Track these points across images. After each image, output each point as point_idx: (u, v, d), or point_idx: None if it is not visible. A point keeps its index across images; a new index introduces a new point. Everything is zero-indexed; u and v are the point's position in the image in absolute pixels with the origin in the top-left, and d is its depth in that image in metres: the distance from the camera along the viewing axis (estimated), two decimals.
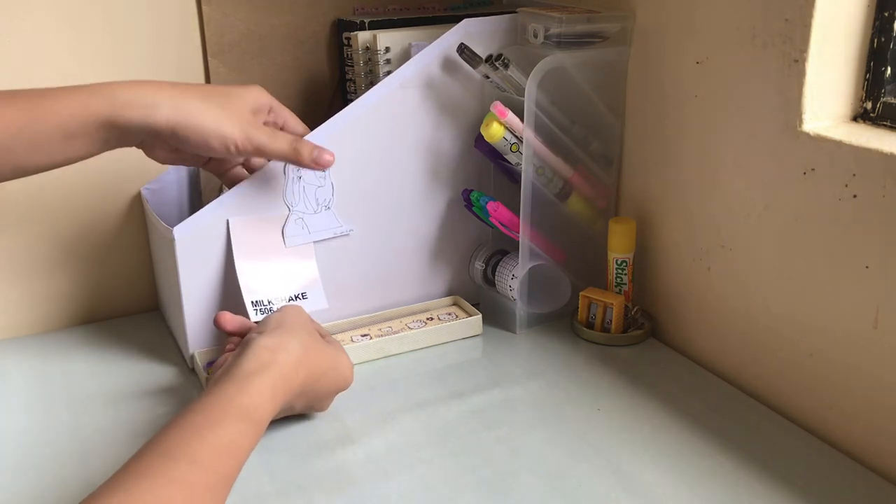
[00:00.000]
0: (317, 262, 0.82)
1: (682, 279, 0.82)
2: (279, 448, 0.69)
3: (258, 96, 0.74)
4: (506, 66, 0.79)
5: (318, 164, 0.74)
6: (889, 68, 0.66)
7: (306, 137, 0.77)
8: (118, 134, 0.67)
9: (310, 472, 0.65)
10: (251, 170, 0.80)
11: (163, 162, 0.73)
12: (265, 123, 0.75)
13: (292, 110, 0.78)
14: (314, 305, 0.81)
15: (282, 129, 0.77)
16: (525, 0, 0.89)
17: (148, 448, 0.52)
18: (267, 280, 0.79)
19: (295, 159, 0.73)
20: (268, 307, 0.79)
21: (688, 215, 0.80)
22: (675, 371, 0.80)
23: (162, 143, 0.69)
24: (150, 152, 0.71)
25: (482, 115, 0.83)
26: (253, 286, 0.78)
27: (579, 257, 0.89)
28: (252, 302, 0.78)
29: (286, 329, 0.67)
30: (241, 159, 0.79)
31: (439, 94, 0.84)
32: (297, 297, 0.80)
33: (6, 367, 0.82)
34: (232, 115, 0.70)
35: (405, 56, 0.85)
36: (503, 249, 0.89)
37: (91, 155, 0.68)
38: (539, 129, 0.81)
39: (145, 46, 0.87)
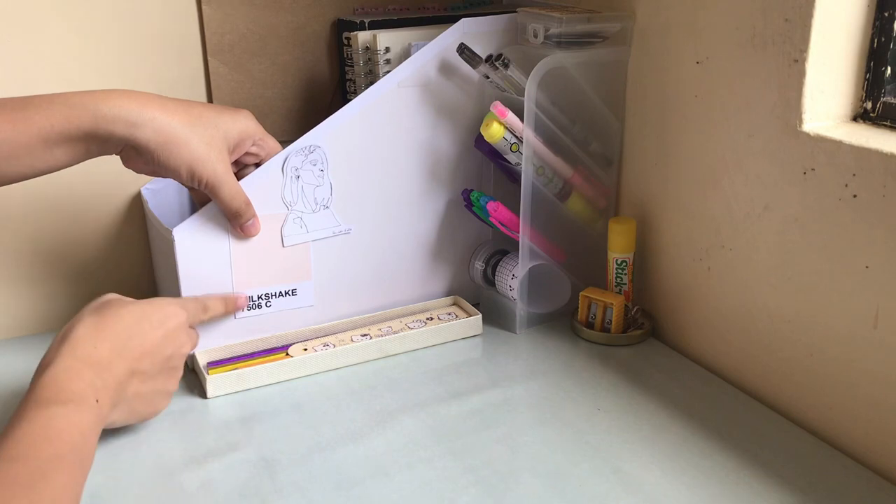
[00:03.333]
0: (315, 262, 0.82)
1: (682, 279, 0.82)
2: (279, 448, 0.69)
3: (245, 127, 0.74)
4: (506, 65, 0.79)
5: (244, 232, 0.77)
6: (889, 68, 0.66)
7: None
8: (99, 144, 0.68)
9: (310, 472, 0.65)
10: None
11: (139, 172, 0.73)
12: (248, 153, 0.77)
13: (292, 110, 0.78)
14: (302, 302, 0.82)
15: (262, 160, 0.78)
16: (525, 0, 0.89)
17: None
18: (261, 278, 0.80)
19: (232, 218, 0.76)
20: (256, 303, 0.79)
21: (688, 215, 0.80)
22: (675, 371, 0.80)
23: (139, 157, 0.70)
24: (127, 163, 0.71)
25: (482, 114, 0.83)
26: (246, 283, 0.79)
27: (579, 257, 0.89)
28: None
29: (75, 317, 0.66)
30: None
31: (439, 94, 0.84)
32: (286, 294, 0.81)
33: (6, 367, 0.82)
34: (211, 152, 0.71)
35: (405, 56, 0.85)
36: (503, 249, 0.89)
37: (73, 164, 0.69)
38: (539, 129, 0.81)
39: (145, 46, 0.87)
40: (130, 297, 0.92)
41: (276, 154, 0.78)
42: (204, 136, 0.70)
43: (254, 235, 0.77)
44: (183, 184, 0.73)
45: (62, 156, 0.67)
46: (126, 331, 0.65)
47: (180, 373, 0.70)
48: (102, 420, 0.60)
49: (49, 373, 0.59)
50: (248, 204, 0.76)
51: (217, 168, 0.71)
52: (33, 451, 0.52)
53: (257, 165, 0.78)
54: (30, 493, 0.49)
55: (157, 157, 0.69)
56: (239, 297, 0.78)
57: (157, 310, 0.68)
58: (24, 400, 0.57)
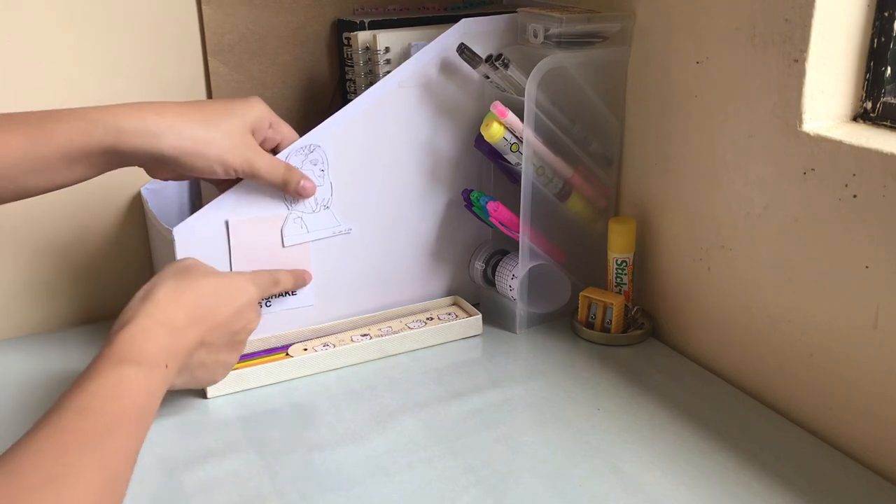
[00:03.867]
0: (316, 262, 0.82)
1: (682, 279, 0.82)
2: (279, 448, 0.69)
3: (259, 113, 0.75)
4: (506, 65, 0.79)
5: (299, 194, 0.78)
6: (889, 68, 0.66)
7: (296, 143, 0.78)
8: (121, 160, 0.68)
9: (310, 472, 0.65)
10: None
11: (166, 179, 0.75)
12: (265, 139, 0.77)
13: (292, 110, 0.79)
14: (302, 302, 0.82)
15: (279, 144, 0.78)
16: (525, 0, 0.89)
17: (43, 416, 0.53)
18: None
19: (282, 188, 0.77)
20: None
21: (688, 215, 0.80)
22: (675, 371, 0.80)
23: (165, 166, 0.71)
24: (153, 173, 0.73)
25: (482, 114, 0.83)
26: None
27: (579, 257, 0.89)
28: None
29: (157, 277, 0.67)
30: None
31: (439, 94, 0.84)
32: (286, 293, 0.81)
33: (6, 367, 0.82)
34: (234, 140, 0.72)
35: (405, 56, 0.85)
36: (503, 249, 0.89)
37: (93, 177, 0.69)
38: (539, 129, 0.81)
39: (146, 46, 0.87)
40: (130, 296, 0.92)
41: (293, 139, 0.78)
42: (224, 129, 0.71)
43: (311, 195, 0.79)
44: (219, 179, 0.74)
45: (83, 170, 0.68)
46: (203, 301, 0.66)
47: (244, 347, 0.71)
48: (167, 384, 0.61)
49: (127, 331, 0.60)
50: (290, 168, 0.77)
51: (246, 154, 0.72)
52: (103, 406, 0.53)
53: (275, 151, 0.78)
54: (95, 447, 0.51)
55: (185, 162, 0.69)
56: (305, 271, 0.81)
57: (232, 284, 0.69)
58: (100, 354, 0.58)
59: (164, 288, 0.65)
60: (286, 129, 0.78)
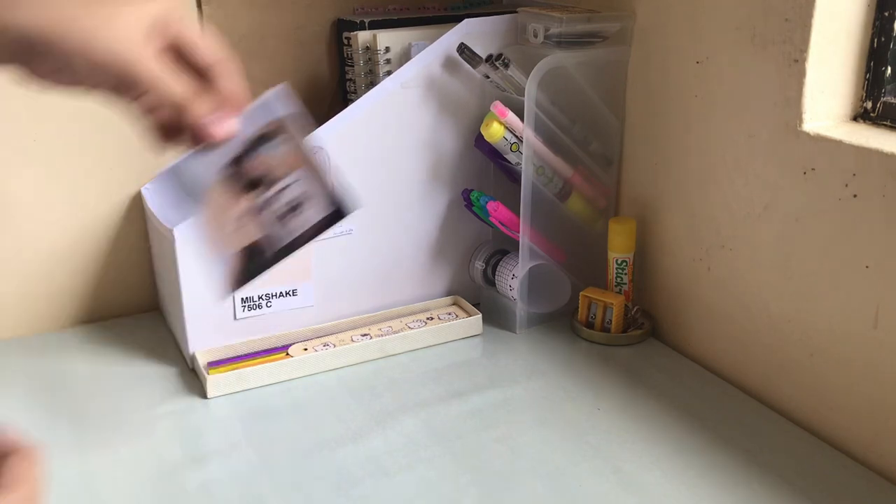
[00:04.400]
0: (316, 262, 0.82)
1: (682, 279, 0.82)
2: (279, 448, 0.69)
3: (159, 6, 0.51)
4: (506, 65, 0.79)
5: (201, 135, 0.51)
6: (889, 68, 0.66)
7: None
8: None
9: (310, 472, 0.65)
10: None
11: (51, 87, 0.50)
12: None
13: None
14: (302, 302, 0.82)
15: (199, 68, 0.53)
16: (525, 0, 0.89)
17: None
18: (261, 278, 0.79)
19: (175, 114, 0.51)
20: (257, 303, 0.80)
21: (688, 215, 0.80)
22: (675, 371, 0.80)
23: (37, 58, 0.47)
24: (29, 73, 0.48)
25: (482, 114, 0.83)
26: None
27: (579, 257, 0.89)
28: (242, 299, 0.79)
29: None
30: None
31: (440, 94, 0.84)
32: (286, 294, 0.81)
33: (6, 367, 0.82)
34: (128, 30, 0.49)
35: (405, 56, 0.85)
36: (503, 249, 0.89)
37: None
38: (539, 129, 0.81)
39: None
40: (130, 296, 0.93)
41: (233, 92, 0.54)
42: (111, 13, 0.47)
43: (219, 140, 0.52)
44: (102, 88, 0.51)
45: None
46: None
47: None
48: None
49: None
50: (187, 92, 0.50)
51: (140, 51, 0.46)
52: None
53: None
54: None
55: (56, 50, 0.46)
56: None
57: None
58: None
59: None
60: (202, 46, 0.52)
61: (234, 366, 0.78)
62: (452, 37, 0.81)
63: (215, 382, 0.76)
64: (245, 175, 0.56)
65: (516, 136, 0.80)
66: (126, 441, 0.70)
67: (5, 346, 0.86)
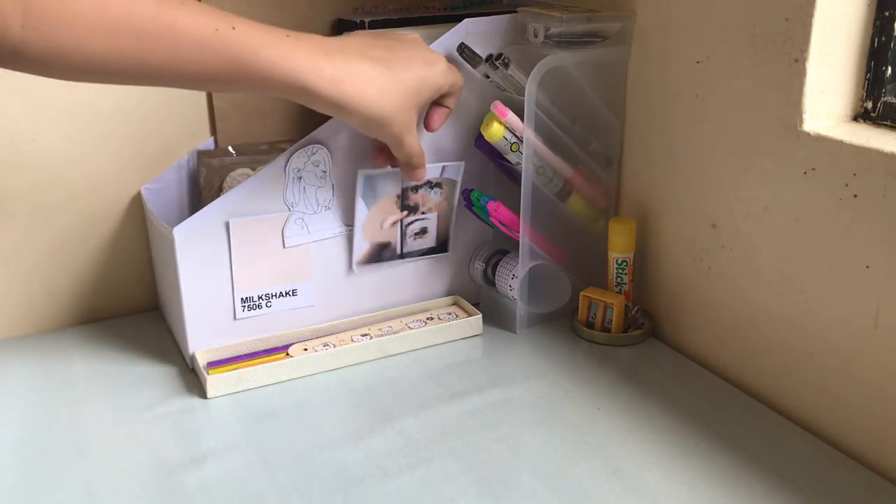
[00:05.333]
0: (316, 262, 0.82)
1: (682, 279, 0.82)
2: (279, 448, 0.68)
3: (441, 79, 0.74)
4: (506, 65, 0.78)
5: (413, 179, 0.80)
6: (889, 68, 0.66)
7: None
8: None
9: (310, 472, 0.65)
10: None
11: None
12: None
13: (292, 110, 0.78)
14: (302, 302, 0.82)
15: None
16: (525, 0, 0.89)
17: None
18: (260, 278, 0.80)
19: (402, 169, 0.78)
20: (256, 303, 0.79)
21: (688, 215, 0.80)
22: (675, 371, 0.80)
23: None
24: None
25: (482, 114, 0.83)
26: (246, 284, 0.79)
27: (579, 257, 0.89)
28: (241, 298, 0.79)
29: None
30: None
31: None
32: (286, 294, 0.81)
33: (6, 367, 0.82)
34: (400, 101, 0.70)
35: None
36: (503, 249, 0.89)
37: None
38: (539, 129, 0.81)
39: None
40: (130, 296, 0.93)
41: (460, 85, 0.77)
42: (400, 80, 0.70)
43: (420, 180, 0.81)
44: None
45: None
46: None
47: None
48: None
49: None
50: (422, 156, 0.77)
51: (400, 126, 0.71)
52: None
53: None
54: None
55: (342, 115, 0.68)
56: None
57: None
58: None
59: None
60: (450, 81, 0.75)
61: (234, 366, 0.78)
62: (452, 37, 0.81)
63: (215, 382, 0.76)
64: (408, 200, 0.84)
65: (516, 136, 0.80)
66: (126, 441, 0.70)
67: (5, 346, 0.86)
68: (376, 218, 0.84)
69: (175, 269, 0.77)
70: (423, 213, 0.86)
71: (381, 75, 0.67)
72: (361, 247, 0.84)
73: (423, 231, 0.87)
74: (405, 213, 0.85)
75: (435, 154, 0.85)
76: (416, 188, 0.84)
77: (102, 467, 0.66)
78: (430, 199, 0.86)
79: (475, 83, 0.85)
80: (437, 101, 0.77)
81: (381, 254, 0.86)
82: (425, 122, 0.78)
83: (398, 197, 0.84)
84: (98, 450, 0.69)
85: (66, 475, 0.65)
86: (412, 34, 0.74)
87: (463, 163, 0.85)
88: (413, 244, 0.87)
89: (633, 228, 0.85)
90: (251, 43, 0.61)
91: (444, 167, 0.85)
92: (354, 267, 0.85)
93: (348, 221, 0.83)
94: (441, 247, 0.89)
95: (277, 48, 0.62)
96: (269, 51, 0.61)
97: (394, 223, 0.85)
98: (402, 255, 0.87)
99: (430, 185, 0.85)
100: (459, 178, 0.86)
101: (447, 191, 0.86)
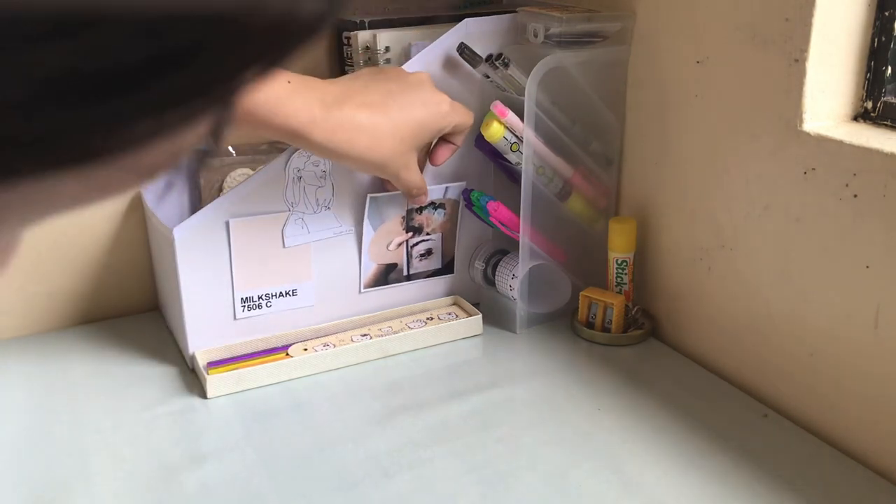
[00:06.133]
0: (316, 262, 0.82)
1: (682, 279, 0.82)
2: (279, 448, 0.68)
3: (442, 121, 0.75)
4: (506, 65, 0.78)
5: (414, 202, 0.82)
6: (889, 68, 0.66)
7: None
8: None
9: (310, 472, 0.65)
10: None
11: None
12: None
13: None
14: (302, 302, 0.82)
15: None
16: (525, 0, 0.89)
17: None
18: (261, 277, 0.80)
19: (406, 196, 0.80)
20: (256, 303, 0.79)
21: (688, 215, 0.80)
22: (675, 371, 0.80)
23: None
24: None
25: (482, 114, 0.83)
26: (246, 284, 0.79)
27: (579, 257, 0.89)
28: (241, 298, 0.79)
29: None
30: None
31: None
32: (286, 294, 0.81)
33: (6, 367, 0.82)
34: (397, 145, 0.72)
35: (405, 56, 0.85)
36: (503, 249, 0.89)
37: None
38: (539, 129, 0.81)
39: None
40: (130, 296, 0.92)
41: (467, 125, 0.78)
42: (396, 123, 0.72)
43: (421, 204, 0.83)
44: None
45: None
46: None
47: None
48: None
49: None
50: (421, 187, 0.78)
51: (398, 162, 0.73)
52: None
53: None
54: None
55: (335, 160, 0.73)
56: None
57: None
58: None
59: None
60: (459, 119, 0.77)
61: (234, 366, 0.78)
62: (452, 36, 0.81)
63: (215, 382, 0.76)
64: (413, 221, 0.85)
65: (516, 136, 0.80)
66: (126, 441, 0.70)
67: (5, 346, 0.86)
68: (382, 239, 0.85)
69: (175, 269, 0.76)
70: (427, 233, 0.87)
71: (374, 125, 0.69)
72: (368, 268, 0.85)
73: (429, 252, 0.88)
74: (410, 234, 0.86)
75: (437, 175, 0.85)
76: (420, 209, 0.85)
77: (102, 467, 0.66)
78: (434, 220, 0.87)
79: (475, 83, 0.85)
80: (445, 137, 0.78)
81: (387, 276, 0.87)
82: (430, 156, 0.80)
83: (403, 218, 0.85)
84: (98, 450, 0.69)
85: (66, 475, 0.65)
86: (421, 74, 0.75)
87: (465, 183, 0.87)
88: (419, 265, 0.88)
89: (633, 228, 0.85)
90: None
91: (447, 188, 0.86)
92: (362, 289, 0.86)
93: (348, 222, 0.83)
94: (447, 268, 0.90)
95: (278, 95, 0.64)
96: (269, 96, 0.63)
97: (399, 244, 0.86)
98: (409, 277, 0.88)
99: (434, 205, 0.86)
100: (459, 199, 0.88)
101: (450, 211, 0.87)
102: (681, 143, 0.79)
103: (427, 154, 0.80)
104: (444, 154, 0.79)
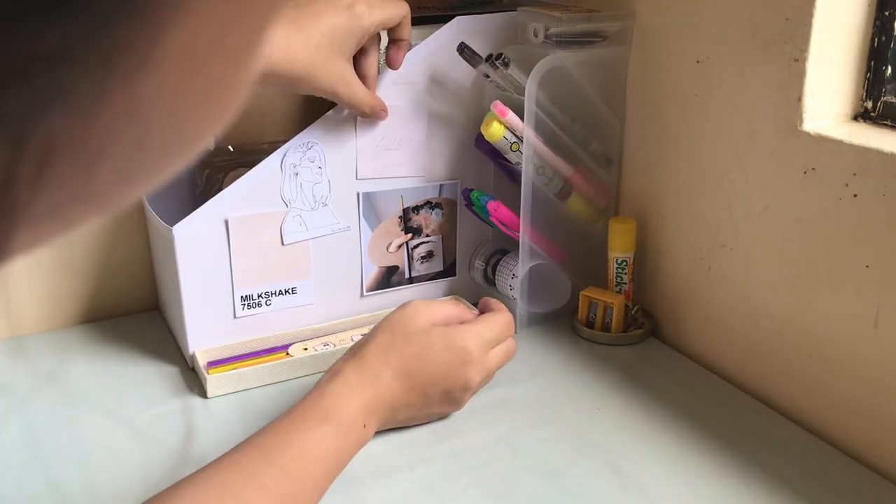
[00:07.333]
0: (315, 260, 0.82)
1: (682, 279, 0.82)
2: None
3: (356, 20, 0.71)
4: (506, 65, 0.78)
5: (377, 117, 0.79)
6: (889, 67, 0.66)
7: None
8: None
9: None
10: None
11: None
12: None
13: (291, 109, 0.78)
14: (302, 301, 0.82)
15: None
16: (525, 0, 0.89)
17: (247, 447, 0.56)
18: (260, 276, 0.80)
19: (363, 115, 0.78)
20: (256, 301, 0.79)
21: (688, 215, 0.80)
22: (675, 371, 0.80)
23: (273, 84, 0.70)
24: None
25: (482, 114, 0.83)
26: (245, 282, 0.79)
27: (579, 257, 0.89)
28: (241, 297, 0.79)
29: (375, 327, 0.67)
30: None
31: (438, 93, 0.83)
32: (286, 292, 0.81)
33: (6, 367, 0.82)
34: (321, 53, 0.69)
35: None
36: (503, 249, 0.89)
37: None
38: (539, 129, 0.81)
39: None
40: (130, 296, 0.92)
41: (398, 15, 0.75)
42: (312, 35, 0.69)
43: (382, 119, 0.80)
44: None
45: None
46: (412, 359, 0.65)
47: (463, 403, 0.70)
48: (363, 441, 0.62)
49: (334, 383, 0.62)
50: (371, 102, 0.76)
51: (332, 73, 0.71)
52: (304, 469, 0.56)
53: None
54: None
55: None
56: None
57: (450, 342, 0.66)
58: (307, 403, 0.60)
59: (375, 342, 0.65)
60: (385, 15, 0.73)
61: (234, 365, 0.78)
62: (445, 35, 0.81)
63: (215, 382, 0.76)
64: (410, 221, 0.84)
65: (516, 136, 0.80)
66: (126, 441, 0.70)
67: (5, 346, 0.86)
68: (381, 240, 0.85)
69: (175, 268, 0.76)
70: (427, 234, 0.87)
71: (286, 37, 0.67)
72: (369, 271, 0.85)
73: (430, 255, 0.88)
74: (409, 235, 0.86)
75: (432, 174, 0.85)
76: (416, 208, 0.85)
77: (102, 467, 0.66)
78: (433, 221, 0.87)
79: (475, 82, 0.85)
80: (392, 37, 0.77)
81: (389, 279, 0.87)
82: (386, 62, 0.78)
83: (400, 218, 0.85)
84: (98, 450, 0.69)
85: (67, 475, 0.65)
86: None
87: (459, 181, 0.86)
88: (420, 268, 0.88)
89: (633, 228, 0.85)
90: None
91: (441, 186, 0.86)
92: (364, 293, 0.86)
93: (346, 219, 0.83)
94: (449, 270, 0.90)
95: None
96: None
97: (399, 246, 0.86)
98: (412, 280, 0.88)
99: (431, 205, 0.86)
100: (459, 198, 0.87)
101: (448, 211, 0.87)
102: (681, 143, 0.79)
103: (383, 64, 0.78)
104: (398, 54, 0.77)
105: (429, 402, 0.67)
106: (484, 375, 0.69)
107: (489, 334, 0.69)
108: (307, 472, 0.56)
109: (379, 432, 0.70)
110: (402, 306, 0.69)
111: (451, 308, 0.70)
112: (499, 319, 0.70)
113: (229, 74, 0.19)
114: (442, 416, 0.71)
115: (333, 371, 0.64)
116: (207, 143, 0.21)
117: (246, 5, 0.18)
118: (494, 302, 0.73)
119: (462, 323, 0.69)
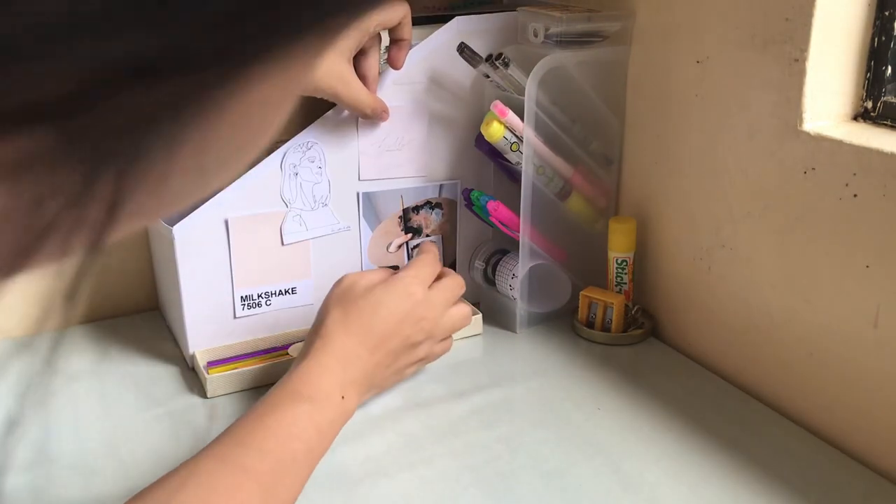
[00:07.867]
0: (315, 260, 0.82)
1: (682, 279, 0.82)
2: None
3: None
4: (506, 65, 0.78)
5: (380, 119, 0.80)
6: (889, 67, 0.66)
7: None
8: None
9: None
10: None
11: None
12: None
13: (291, 110, 0.78)
14: (302, 301, 0.82)
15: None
16: (525, 0, 0.89)
17: (223, 437, 0.56)
18: (260, 276, 0.80)
19: (364, 118, 0.79)
20: (256, 301, 0.80)
21: (688, 215, 0.80)
22: (675, 371, 0.80)
23: None
24: None
25: (482, 114, 0.83)
26: (245, 282, 0.79)
27: (579, 257, 0.89)
28: (241, 297, 0.79)
29: (322, 306, 0.70)
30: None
31: (438, 93, 0.83)
32: (286, 292, 0.81)
33: (6, 367, 0.82)
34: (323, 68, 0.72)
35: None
36: (503, 249, 0.89)
37: None
38: (539, 129, 0.81)
39: None
40: (130, 296, 0.92)
41: (396, 16, 0.75)
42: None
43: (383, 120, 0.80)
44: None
45: None
46: (368, 322, 0.68)
47: (425, 344, 0.72)
48: (346, 414, 0.63)
49: (304, 366, 0.63)
50: (372, 103, 0.77)
51: (332, 75, 0.72)
52: (280, 447, 0.57)
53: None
54: (269, 489, 0.54)
55: None
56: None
57: (393, 293, 0.69)
58: (279, 386, 0.62)
59: (331, 318, 0.67)
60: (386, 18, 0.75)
61: (234, 365, 0.78)
62: (444, 35, 0.81)
63: (215, 382, 0.76)
64: (410, 221, 0.85)
65: (516, 136, 0.80)
66: (126, 441, 0.70)
67: (5, 346, 0.86)
68: (381, 240, 0.85)
69: (175, 269, 0.76)
70: (427, 234, 0.87)
71: None
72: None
73: None
74: (409, 235, 0.86)
75: (431, 173, 0.85)
76: (416, 208, 0.85)
77: (102, 467, 0.66)
78: (433, 221, 0.87)
79: (474, 82, 0.85)
80: (393, 37, 0.77)
81: None
82: (389, 62, 0.79)
83: (400, 218, 0.85)
84: (98, 449, 0.69)
85: (66, 475, 0.65)
86: None
87: (459, 181, 0.87)
88: None
89: (633, 228, 0.85)
90: None
91: (441, 186, 0.86)
92: None
93: (346, 219, 0.83)
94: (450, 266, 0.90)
95: None
96: None
97: (399, 246, 0.86)
98: None
99: (431, 205, 0.86)
100: (458, 198, 0.87)
101: (448, 212, 0.87)
102: (681, 143, 0.79)
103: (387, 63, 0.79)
104: (400, 54, 0.78)
105: (395, 356, 0.69)
106: (434, 312, 0.71)
107: (423, 272, 0.73)
108: (286, 450, 0.56)
109: (378, 432, 0.70)
110: (338, 282, 0.72)
111: (381, 271, 0.74)
112: (424, 258, 0.74)
113: (278, 110, 0.23)
114: (417, 371, 0.74)
115: (301, 356, 0.65)
116: (251, 159, 0.24)
117: (295, 72, 0.21)
118: (423, 244, 0.78)
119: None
